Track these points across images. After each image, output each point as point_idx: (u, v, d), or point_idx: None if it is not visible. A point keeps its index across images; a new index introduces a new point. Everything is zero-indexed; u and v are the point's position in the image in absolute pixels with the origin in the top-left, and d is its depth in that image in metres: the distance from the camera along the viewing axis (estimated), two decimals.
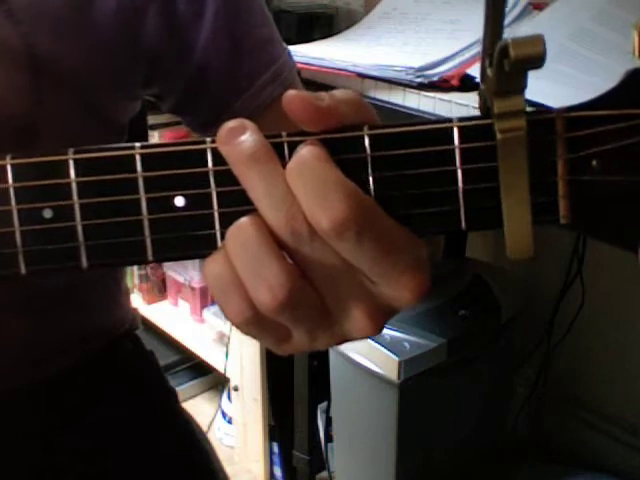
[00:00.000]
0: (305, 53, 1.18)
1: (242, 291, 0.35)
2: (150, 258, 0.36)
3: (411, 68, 1.06)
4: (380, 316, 0.36)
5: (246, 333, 0.37)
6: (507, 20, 1.08)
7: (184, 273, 1.92)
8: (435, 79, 1.06)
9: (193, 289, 1.90)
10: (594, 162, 0.34)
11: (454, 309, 1.30)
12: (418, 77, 1.06)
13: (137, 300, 1.99)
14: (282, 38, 0.66)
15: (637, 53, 0.33)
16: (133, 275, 2.01)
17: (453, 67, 1.09)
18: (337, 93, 0.35)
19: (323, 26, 1.50)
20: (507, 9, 1.11)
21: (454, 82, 1.06)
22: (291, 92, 0.34)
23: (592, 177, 0.34)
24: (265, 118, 0.61)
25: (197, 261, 1.88)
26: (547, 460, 1.56)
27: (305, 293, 0.35)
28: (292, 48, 0.71)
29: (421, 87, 1.06)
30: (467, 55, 1.11)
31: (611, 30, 1.00)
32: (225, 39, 0.60)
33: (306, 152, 0.34)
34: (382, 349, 1.21)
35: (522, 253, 0.35)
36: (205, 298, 1.91)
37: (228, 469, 0.76)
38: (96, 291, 0.70)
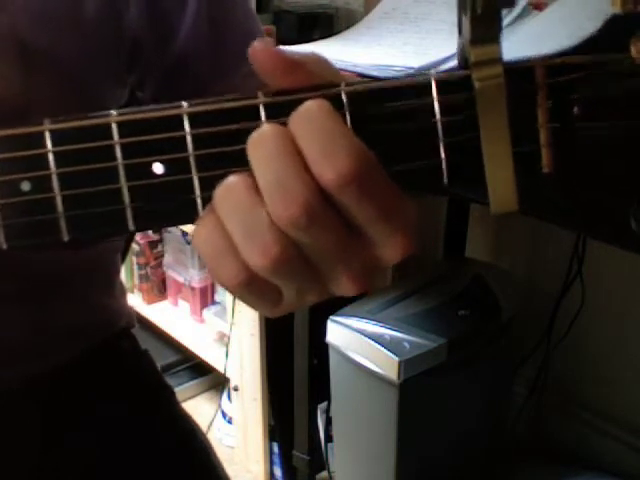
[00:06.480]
0: None
1: (235, 253, 0.34)
2: (131, 227, 0.35)
3: (411, 68, 1.06)
4: (364, 277, 0.36)
5: (240, 298, 0.37)
6: (507, 20, 1.08)
7: (184, 273, 1.92)
8: None
9: (193, 289, 1.90)
10: (575, 109, 0.34)
11: (454, 309, 1.30)
12: None
13: (137, 300, 1.99)
14: (282, 38, 0.67)
15: (618, 1, 0.33)
16: (133, 275, 2.01)
17: (453, 67, 1.08)
18: (301, 52, 0.35)
19: (323, 26, 1.50)
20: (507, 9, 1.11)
21: None
22: (258, 42, 0.34)
23: (574, 124, 0.34)
24: None
25: (197, 261, 1.88)
26: (547, 460, 1.56)
27: (297, 250, 0.34)
28: (292, 48, 0.71)
29: None
30: None
31: None
32: (207, 29, 0.61)
33: (313, 104, 0.33)
34: (382, 349, 1.21)
35: (506, 206, 0.34)
36: (205, 298, 1.90)
37: (228, 469, 0.76)
38: (92, 284, 0.70)
